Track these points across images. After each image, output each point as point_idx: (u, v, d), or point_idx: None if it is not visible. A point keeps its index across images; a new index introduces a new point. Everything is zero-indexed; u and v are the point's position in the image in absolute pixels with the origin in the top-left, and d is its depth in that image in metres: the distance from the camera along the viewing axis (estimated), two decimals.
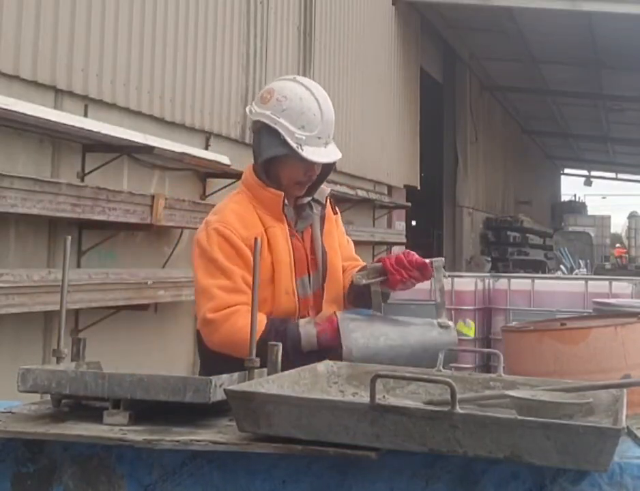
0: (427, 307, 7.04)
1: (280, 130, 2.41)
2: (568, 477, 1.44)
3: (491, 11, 11.92)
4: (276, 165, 2.48)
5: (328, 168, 2.59)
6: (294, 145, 2.40)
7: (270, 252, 2.44)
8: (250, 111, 2.52)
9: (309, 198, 2.57)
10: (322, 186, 2.62)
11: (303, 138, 2.41)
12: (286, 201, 2.50)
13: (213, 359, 2.38)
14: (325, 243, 2.59)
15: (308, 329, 2.36)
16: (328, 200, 2.65)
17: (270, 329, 2.33)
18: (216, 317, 2.33)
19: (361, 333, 2.35)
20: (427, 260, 2.48)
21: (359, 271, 2.55)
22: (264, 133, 2.46)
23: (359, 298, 2.57)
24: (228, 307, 2.34)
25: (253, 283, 1.80)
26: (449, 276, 8.40)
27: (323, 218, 2.62)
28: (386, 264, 2.46)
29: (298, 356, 2.26)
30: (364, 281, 2.46)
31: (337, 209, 2.75)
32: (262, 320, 2.34)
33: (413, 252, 2.51)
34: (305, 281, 2.51)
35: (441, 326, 2.44)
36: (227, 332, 2.31)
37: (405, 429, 1.39)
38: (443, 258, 2.52)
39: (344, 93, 9.34)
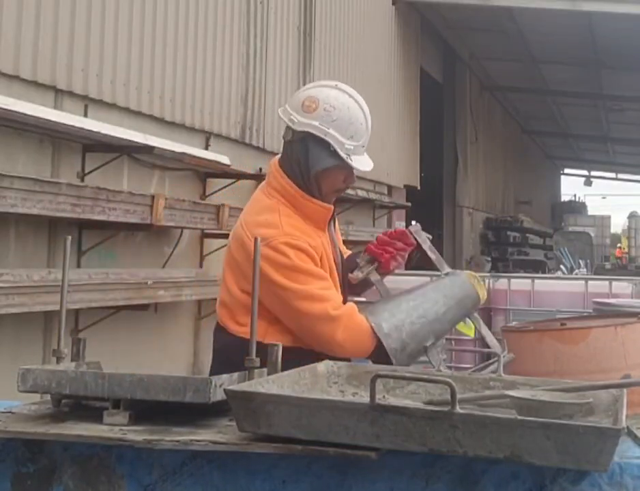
0: None
1: (331, 141, 2.40)
2: (568, 477, 1.44)
3: (491, 11, 11.92)
4: (319, 174, 2.46)
5: None
6: (344, 156, 2.41)
7: (327, 263, 2.46)
8: (292, 121, 2.45)
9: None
10: None
11: (352, 148, 2.42)
12: None
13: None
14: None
15: None
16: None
17: None
18: (341, 313, 2.33)
19: (382, 307, 2.43)
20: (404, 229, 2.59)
21: (351, 268, 2.59)
22: (311, 143, 2.42)
23: (355, 288, 2.62)
24: (344, 304, 2.38)
25: (253, 284, 1.79)
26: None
27: (334, 221, 2.64)
28: (371, 249, 2.51)
29: None
30: (362, 276, 2.48)
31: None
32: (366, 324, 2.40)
33: (388, 230, 2.60)
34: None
35: (448, 274, 2.56)
36: (352, 327, 2.33)
37: (405, 429, 1.39)
38: (417, 223, 2.63)
39: None
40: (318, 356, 2.26)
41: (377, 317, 2.36)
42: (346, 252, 2.77)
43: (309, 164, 2.43)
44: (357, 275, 2.47)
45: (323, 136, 2.40)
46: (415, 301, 2.44)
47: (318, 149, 2.41)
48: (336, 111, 2.42)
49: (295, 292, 2.31)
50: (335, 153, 2.41)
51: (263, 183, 2.60)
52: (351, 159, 2.42)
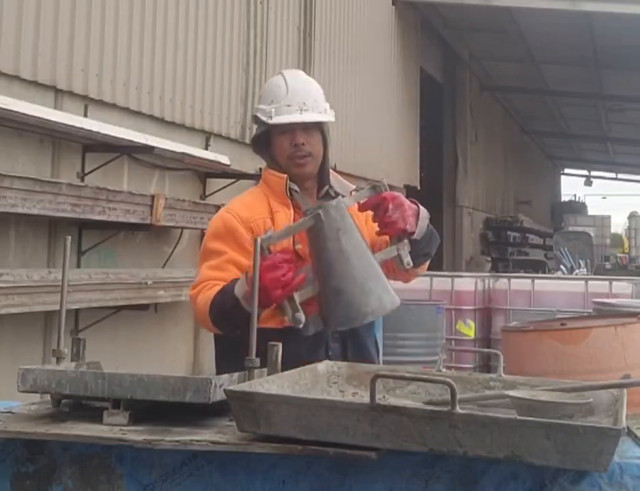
0: (427, 307, 7.06)
1: (258, 114, 2.50)
2: (568, 477, 1.44)
3: (491, 11, 11.92)
4: (270, 151, 2.53)
5: (325, 145, 2.55)
6: (265, 118, 2.46)
7: None
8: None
9: (326, 187, 2.53)
10: (346, 182, 2.59)
11: (273, 110, 2.46)
12: (296, 187, 2.48)
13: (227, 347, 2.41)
14: None
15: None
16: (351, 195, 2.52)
17: (220, 290, 2.33)
18: (192, 293, 2.42)
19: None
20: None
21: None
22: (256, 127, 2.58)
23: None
24: (204, 281, 2.39)
25: (254, 281, 1.79)
26: (449, 276, 8.41)
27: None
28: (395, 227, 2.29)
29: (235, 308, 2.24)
30: (406, 260, 2.28)
31: None
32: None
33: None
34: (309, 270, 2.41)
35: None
36: (197, 306, 2.38)
37: (405, 429, 1.39)
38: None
39: (344, 93, 9.33)
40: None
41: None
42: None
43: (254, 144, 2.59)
44: (403, 261, 2.28)
45: (254, 114, 2.54)
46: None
47: (257, 128, 2.56)
48: (263, 89, 2.63)
49: (200, 259, 2.51)
50: (262, 122, 2.49)
51: None
52: (271, 119, 2.45)
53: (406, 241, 2.29)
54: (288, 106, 2.45)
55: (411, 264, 2.27)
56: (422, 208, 2.37)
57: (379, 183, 2.31)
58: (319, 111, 2.49)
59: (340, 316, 2.20)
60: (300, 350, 2.26)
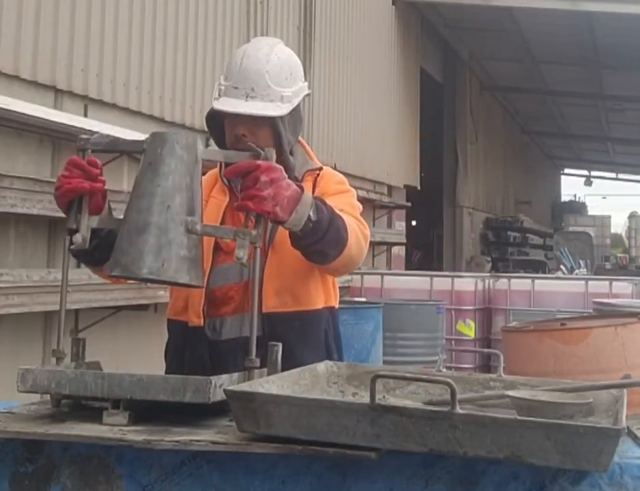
0: (427, 307, 7.06)
1: (215, 87, 2.19)
2: (568, 477, 1.44)
3: (491, 11, 11.93)
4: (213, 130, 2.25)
5: (276, 135, 2.13)
6: (215, 96, 2.15)
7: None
8: None
9: None
10: (312, 161, 2.29)
11: (222, 88, 2.13)
12: None
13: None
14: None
15: None
16: (306, 176, 2.21)
17: None
18: None
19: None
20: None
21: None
22: None
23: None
24: None
25: (253, 281, 1.79)
26: (449, 276, 8.42)
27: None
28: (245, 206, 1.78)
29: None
30: (240, 253, 1.74)
31: (334, 185, 2.33)
32: None
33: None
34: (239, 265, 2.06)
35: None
36: None
37: (405, 429, 1.39)
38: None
39: (344, 93, 9.33)
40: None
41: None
42: None
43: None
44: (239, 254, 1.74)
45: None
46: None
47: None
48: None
49: None
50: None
51: None
52: (217, 100, 2.13)
53: (258, 231, 1.75)
54: (236, 88, 2.10)
55: (243, 259, 1.72)
56: (307, 195, 1.86)
57: (262, 150, 1.83)
58: (271, 99, 2.09)
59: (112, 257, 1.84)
60: (207, 351, 2.13)
